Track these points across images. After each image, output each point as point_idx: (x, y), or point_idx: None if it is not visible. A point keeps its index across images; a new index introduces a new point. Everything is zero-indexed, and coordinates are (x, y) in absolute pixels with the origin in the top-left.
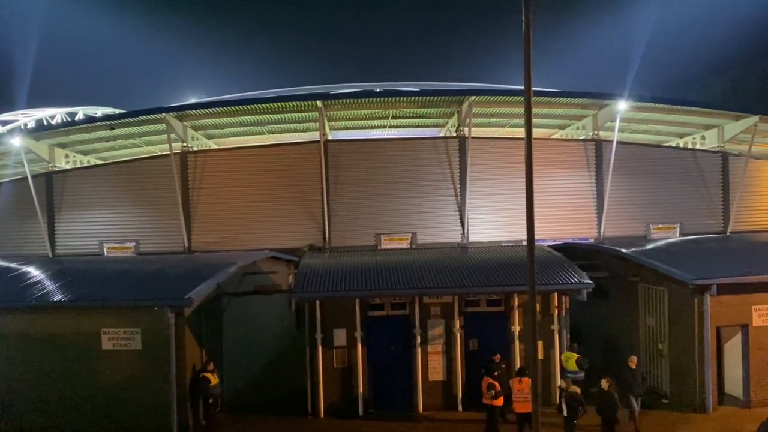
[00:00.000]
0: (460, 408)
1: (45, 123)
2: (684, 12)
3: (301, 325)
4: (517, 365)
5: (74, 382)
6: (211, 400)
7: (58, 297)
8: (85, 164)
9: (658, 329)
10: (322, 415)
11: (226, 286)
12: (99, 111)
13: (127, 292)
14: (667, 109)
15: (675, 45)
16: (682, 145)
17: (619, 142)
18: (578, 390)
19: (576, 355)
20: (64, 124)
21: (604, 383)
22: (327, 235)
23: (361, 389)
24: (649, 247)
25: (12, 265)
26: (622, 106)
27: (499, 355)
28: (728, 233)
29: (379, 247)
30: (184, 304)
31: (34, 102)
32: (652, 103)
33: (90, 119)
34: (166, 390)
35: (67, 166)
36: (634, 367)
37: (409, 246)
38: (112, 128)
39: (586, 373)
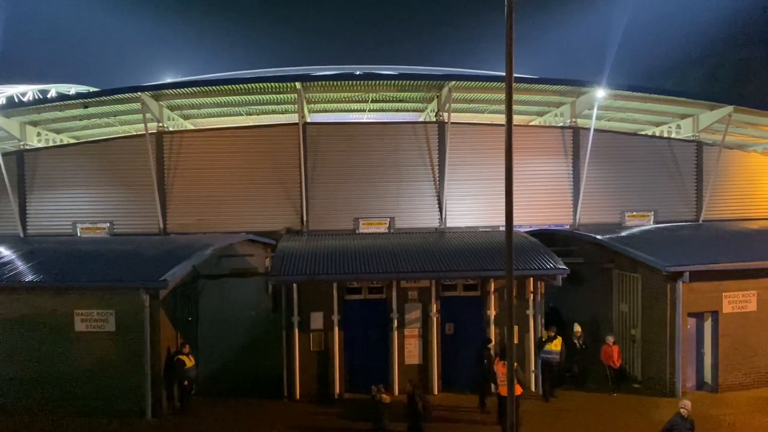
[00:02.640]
0: (436, 391)
1: (16, 100)
2: (662, 1)
3: (277, 308)
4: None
5: (46, 363)
6: (186, 383)
7: (29, 277)
8: (58, 143)
9: (632, 315)
10: (297, 398)
11: (202, 268)
12: (72, 89)
13: (100, 273)
14: (643, 97)
15: (653, 34)
16: (658, 134)
17: (596, 130)
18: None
19: (556, 337)
20: (36, 102)
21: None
22: (305, 219)
23: (337, 373)
24: (623, 234)
25: None
26: (600, 93)
27: (492, 343)
28: (701, 221)
29: (357, 231)
30: (159, 286)
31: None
32: (629, 92)
33: (63, 97)
34: (140, 372)
35: (40, 145)
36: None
37: (387, 230)
38: (86, 106)
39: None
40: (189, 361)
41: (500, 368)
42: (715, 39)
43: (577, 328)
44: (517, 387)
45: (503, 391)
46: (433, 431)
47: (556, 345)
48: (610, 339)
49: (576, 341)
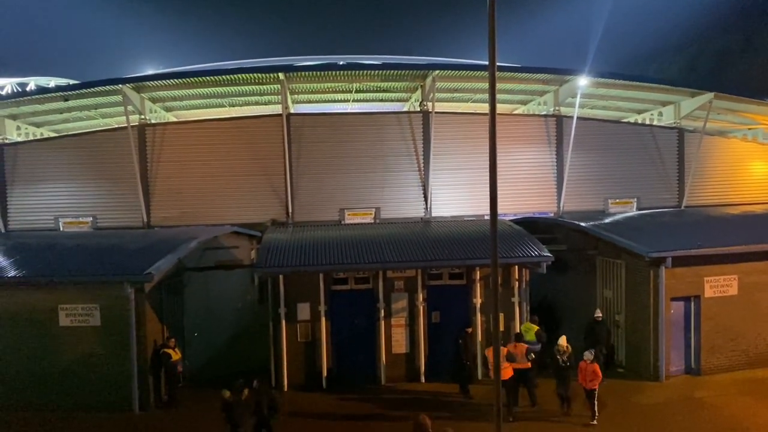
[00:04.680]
0: (423, 379)
1: None
2: None
3: (264, 299)
4: (479, 337)
5: (31, 358)
6: (179, 369)
7: (12, 273)
8: (39, 137)
9: (616, 301)
10: (285, 388)
11: (187, 261)
12: (52, 81)
13: (84, 267)
14: (625, 85)
15: (634, 22)
16: (640, 121)
17: (579, 118)
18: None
19: (536, 327)
20: (15, 95)
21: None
22: (290, 210)
23: (324, 363)
24: (607, 221)
25: None
26: (583, 81)
27: (471, 329)
28: (683, 207)
29: (342, 222)
30: (144, 280)
31: None
32: (612, 79)
33: (42, 90)
34: (127, 366)
35: (19, 139)
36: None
37: (372, 221)
38: (66, 99)
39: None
40: (175, 354)
41: (490, 354)
42: (695, 28)
43: (562, 341)
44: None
45: (504, 373)
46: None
47: (529, 334)
48: (588, 355)
49: (559, 358)
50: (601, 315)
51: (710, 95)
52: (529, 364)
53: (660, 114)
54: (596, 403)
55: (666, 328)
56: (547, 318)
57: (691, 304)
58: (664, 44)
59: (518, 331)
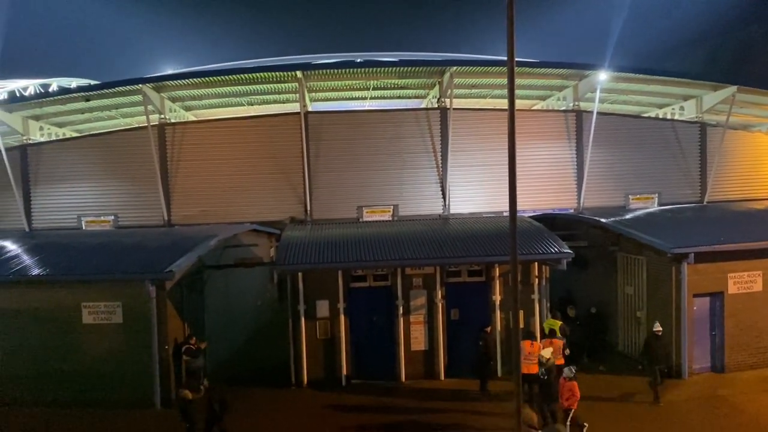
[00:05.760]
0: (442, 377)
1: (18, 95)
2: None
3: (283, 297)
4: (498, 334)
5: (55, 356)
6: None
7: (36, 271)
8: (61, 137)
9: (637, 297)
10: (305, 385)
11: (207, 258)
12: (73, 82)
13: (107, 265)
14: (646, 79)
15: (655, 15)
16: (661, 116)
17: (599, 113)
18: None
19: (559, 323)
20: (38, 96)
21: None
22: (308, 208)
23: (344, 360)
24: (627, 216)
25: None
26: (603, 76)
27: (490, 327)
28: (705, 203)
29: (360, 219)
30: (165, 278)
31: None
32: (632, 74)
33: (64, 90)
34: (149, 363)
35: (42, 139)
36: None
37: (390, 218)
38: (88, 100)
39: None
40: (201, 344)
41: (527, 347)
42: (717, 20)
43: (546, 353)
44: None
45: (530, 368)
46: (433, 417)
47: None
48: (568, 372)
49: (540, 369)
50: (660, 329)
51: (733, 88)
52: (563, 360)
53: (681, 108)
54: (569, 425)
55: (688, 325)
56: (596, 324)
57: (714, 301)
58: (685, 37)
59: (541, 327)
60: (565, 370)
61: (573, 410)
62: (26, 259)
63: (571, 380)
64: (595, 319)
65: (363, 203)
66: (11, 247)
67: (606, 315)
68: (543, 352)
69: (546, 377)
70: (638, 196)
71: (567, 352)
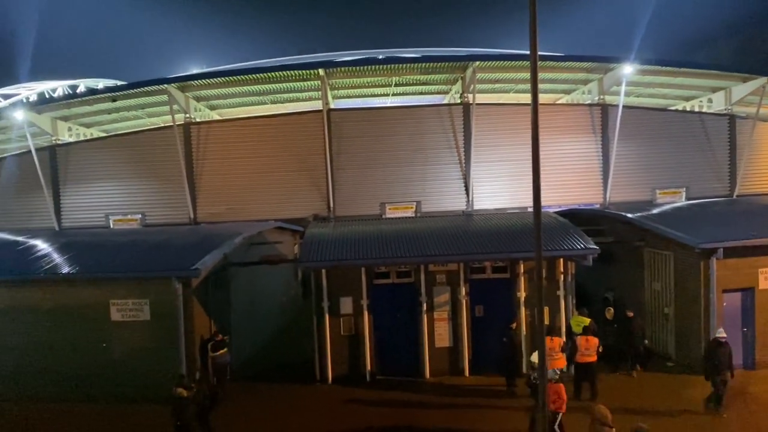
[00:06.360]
0: (467, 373)
1: (47, 96)
2: None
3: (307, 293)
4: (523, 331)
5: (83, 353)
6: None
7: (66, 269)
8: (89, 137)
9: (664, 293)
10: (330, 381)
11: (232, 256)
12: (100, 83)
13: (134, 263)
14: (673, 71)
15: (682, 6)
16: (688, 109)
17: (625, 107)
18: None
19: (588, 320)
20: (66, 97)
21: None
22: (331, 205)
23: (368, 356)
24: (654, 211)
25: (19, 238)
26: (628, 69)
27: (515, 323)
28: (735, 196)
29: (383, 216)
30: (191, 275)
31: (35, 75)
32: (659, 66)
33: (92, 91)
34: (176, 360)
35: (71, 139)
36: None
37: (413, 214)
38: (114, 100)
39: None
40: (222, 349)
41: (547, 343)
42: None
43: (534, 357)
44: (561, 360)
45: (554, 364)
46: (458, 414)
47: (580, 328)
48: (553, 375)
49: (531, 374)
50: (725, 335)
51: (763, 79)
52: (595, 357)
53: (710, 100)
54: (557, 429)
55: (717, 321)
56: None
57: (745, 297)
58: (713, 28)
59: (568, 324)
60: (550, 372)
61: (561, 414)
62: (56, 258)
63: (557, 382)
64: (632, 323)
65: (386, 200)
66: (42, 245)
67: (643, 317)
68: (532, 357)
69: (537, 381)
70: (666, 190)
71: (601, 349)
